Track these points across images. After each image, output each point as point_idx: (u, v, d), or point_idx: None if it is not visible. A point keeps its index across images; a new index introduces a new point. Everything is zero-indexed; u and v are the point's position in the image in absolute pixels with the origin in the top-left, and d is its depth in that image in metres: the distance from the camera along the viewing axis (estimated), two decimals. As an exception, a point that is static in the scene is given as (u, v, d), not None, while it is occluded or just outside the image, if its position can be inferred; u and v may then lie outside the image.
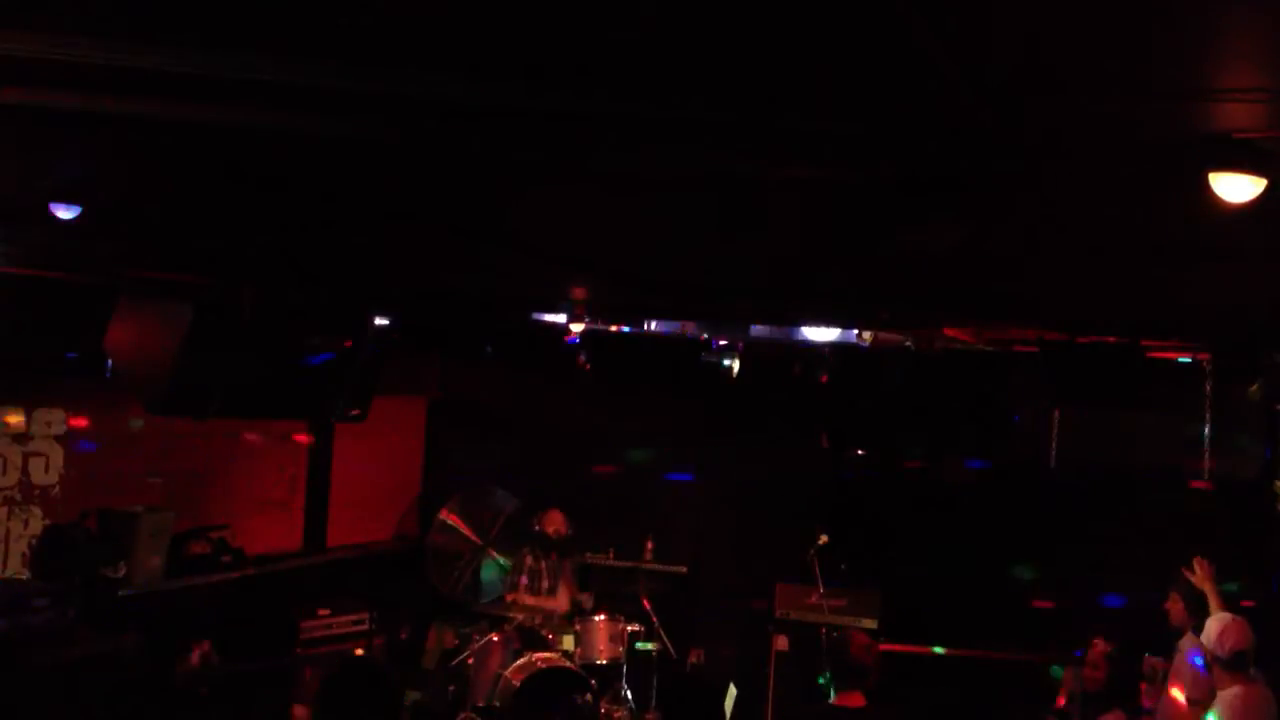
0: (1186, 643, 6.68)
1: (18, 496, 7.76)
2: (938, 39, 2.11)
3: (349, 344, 7.65)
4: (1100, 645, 7.22)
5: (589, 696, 8.41)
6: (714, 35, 2.22)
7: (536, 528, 9.41)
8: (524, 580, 9.33)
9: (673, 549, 10.26)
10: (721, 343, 9.20)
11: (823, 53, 2.29)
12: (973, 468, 9.39)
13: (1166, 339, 7.13)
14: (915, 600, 9.06)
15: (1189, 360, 7.51)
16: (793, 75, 2.44)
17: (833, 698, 5.38)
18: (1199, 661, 6.17)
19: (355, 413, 8.13)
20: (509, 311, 9.16)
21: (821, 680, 5.44)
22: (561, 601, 9.21)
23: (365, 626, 8.92)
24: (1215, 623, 6.10)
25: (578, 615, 9.12)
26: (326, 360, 7.56)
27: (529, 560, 9.40)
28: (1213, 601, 6.35)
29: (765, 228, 4.25)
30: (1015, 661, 8.68)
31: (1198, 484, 8.19)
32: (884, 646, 8.53)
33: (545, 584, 9.30)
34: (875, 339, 8.32)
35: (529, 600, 9.19)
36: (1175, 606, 6.78)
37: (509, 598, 9.29)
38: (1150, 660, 6.96)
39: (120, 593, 7.75)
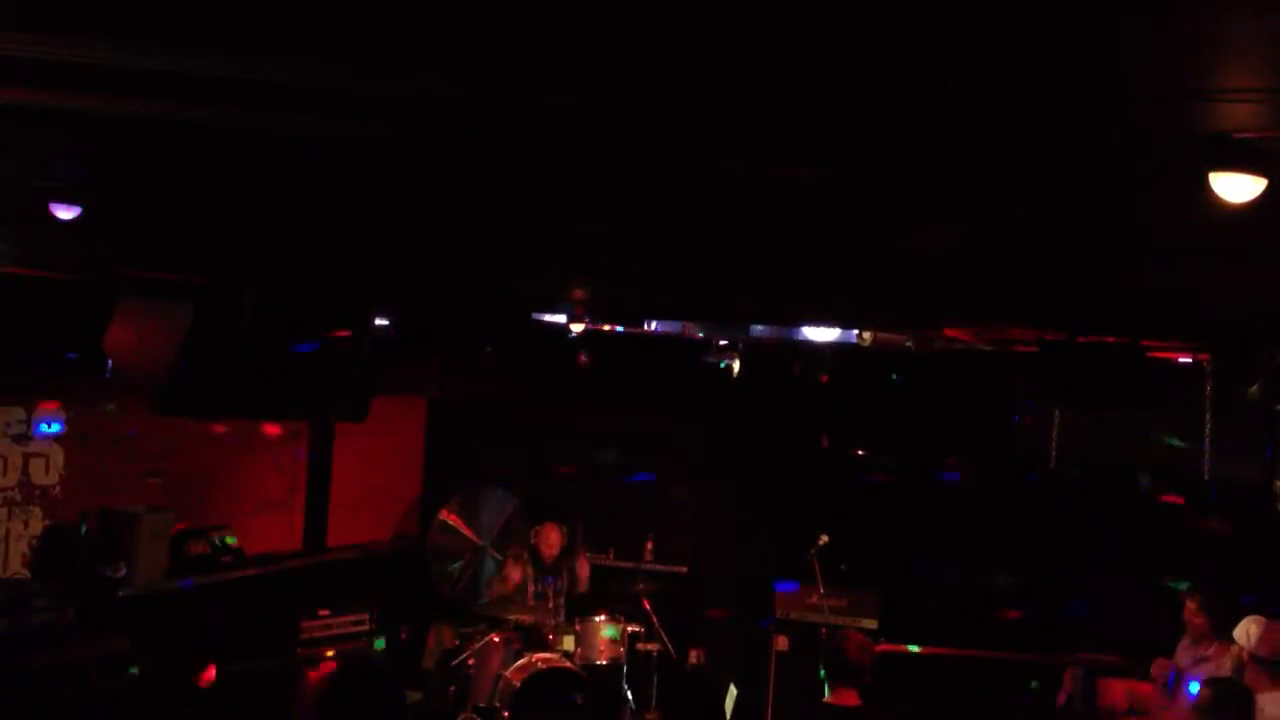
0: (1193, 657, 6.64)
1: (18, 496, 7.76)
2: (939, 39, 2.11)
3: (349, 344, 7.64)
4: (1071, 673, 7.25)
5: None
6: (714, 33, 2.22)
7: (533, 540, 9.35)
8: (495, 590, 9.25)
9: (673, 549, 10.26)
10: (721, 343, 9.18)
11: (823, 52, 2.29)
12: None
13: (1166, 339, 7.12)
14: (915, 600, 9.06)
15: (1189, 360, 7.49)
16: (792, 74, 2.43)
17: (827, 695, 5.38)
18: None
19: (355, 413, 8.12)
20: (509, 311, 9.15)
21: (821, 673, 5.43)
22: (547, 620, 9.01)
23: (365, 626, 8.92)
24: (1254, 624, 6.03)
25: (577, 616, 9.11)
26: (325, 359, 7.55)
27: (512, 570, 9.26)
28: None
29: (765, 228, 4.25)
30: (1014, 661, 8.67)
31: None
32: (883, 647, 8.58)
33: (533, 590, 9.20)
34: (875, 339, 8.31)
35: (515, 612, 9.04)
36: (1197, 619, 6.72)
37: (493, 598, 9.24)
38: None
39: (120, 593, 7.75)
